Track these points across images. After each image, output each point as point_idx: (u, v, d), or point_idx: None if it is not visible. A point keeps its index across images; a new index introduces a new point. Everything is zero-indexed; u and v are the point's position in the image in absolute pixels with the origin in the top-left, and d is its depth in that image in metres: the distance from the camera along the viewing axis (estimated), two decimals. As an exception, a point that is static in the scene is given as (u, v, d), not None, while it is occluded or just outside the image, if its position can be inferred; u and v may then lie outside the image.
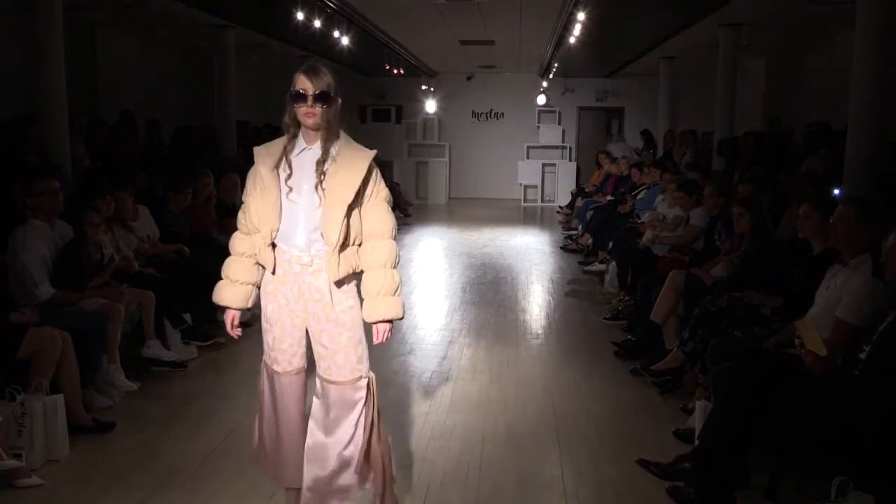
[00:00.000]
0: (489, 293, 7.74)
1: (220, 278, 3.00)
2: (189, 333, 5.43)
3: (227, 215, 6.94)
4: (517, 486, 3.54)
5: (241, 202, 2.96)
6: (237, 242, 2.95)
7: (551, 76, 15.29)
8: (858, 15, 5.47)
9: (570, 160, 16.82)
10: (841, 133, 6.32)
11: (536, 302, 7.57)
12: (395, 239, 2.89)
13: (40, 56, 5.85)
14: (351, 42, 9.52)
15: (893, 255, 3.11)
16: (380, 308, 2.85)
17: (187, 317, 5.40)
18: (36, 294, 4.41)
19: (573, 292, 7.83)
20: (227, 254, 3.00)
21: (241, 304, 2.96)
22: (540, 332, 6.38)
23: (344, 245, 2.77)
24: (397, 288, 2.87)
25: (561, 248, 10.68)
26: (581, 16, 8.23)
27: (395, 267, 2.87)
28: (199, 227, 6.47)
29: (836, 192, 5.82)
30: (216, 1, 8.10)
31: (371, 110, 17.39)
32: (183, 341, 5.37)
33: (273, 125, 11.50)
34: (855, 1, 5.49)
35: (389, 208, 2.89)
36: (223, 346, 5.59)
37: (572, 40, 9.68)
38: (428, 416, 4.37)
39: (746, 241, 4.95)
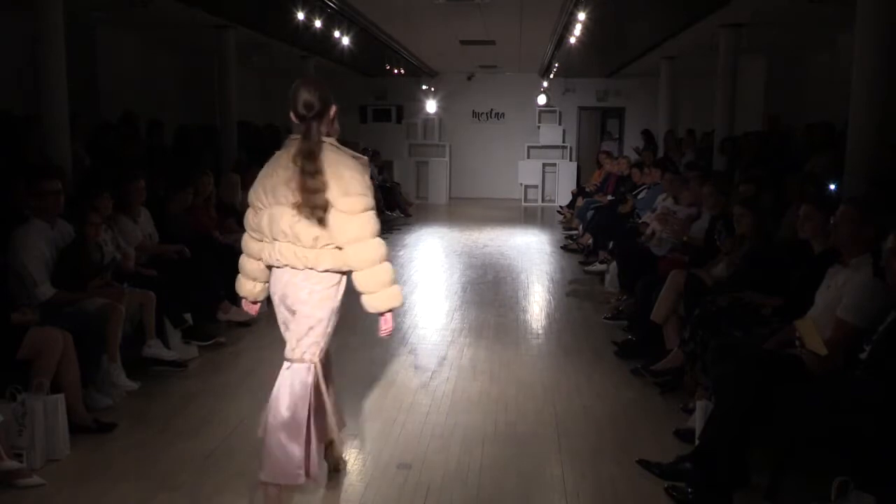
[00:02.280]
0: (489, 293, 7.74)
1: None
2: (190, 333, 5.43)
3: (227, 215, 6.94)
4: (517, 486, 3.54)
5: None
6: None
7: (552, 76, 15.29)
8: (859, 15, 5.47)
9: (570, 160, 16.84)
10: (843, 133, 6.32)
11: (537, 302, 7.57)
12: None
13: (40, 56, 5.85)
14: (351, 42, 9.52)
15: (893, 258, 3.11)
16: None
17: (188, 316, 5.39)
18: (36, 294, 4.41)
19: (574, 292, 7.82)
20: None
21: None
22: (540, 332, 6.38)
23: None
24: None
25: (561, 247, 10.68)
26: (581, 16, 8.24)
27: None
28: (199, 227, 6.47)
29: (832, 187, 5.83)
30: (216, 1, 8.11)
31: (371, 110, 17.41)
32: (183, 341, 5.38)
33: (273, 125, 11.51)
34: (855, 1, 5.49)
35: None
36: (223, 346, 5.60)
37: (573, 40, 9.68)
38: (428, 416, 4.37)
39: (747, 242, 4.94)
